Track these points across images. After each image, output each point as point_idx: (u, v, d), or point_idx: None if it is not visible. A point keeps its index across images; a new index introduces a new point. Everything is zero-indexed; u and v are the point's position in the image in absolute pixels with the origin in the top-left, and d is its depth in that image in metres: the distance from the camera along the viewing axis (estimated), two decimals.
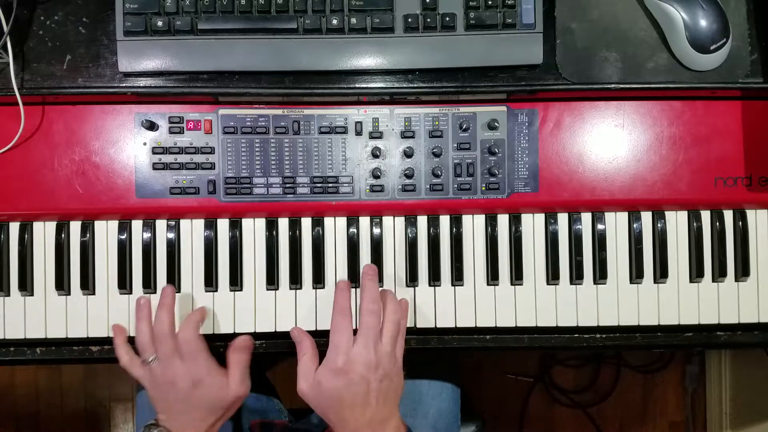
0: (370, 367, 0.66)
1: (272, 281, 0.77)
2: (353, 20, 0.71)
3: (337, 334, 0.68)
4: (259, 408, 0.92)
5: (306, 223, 0.78)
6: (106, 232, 0.77)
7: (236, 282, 0.77)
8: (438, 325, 0.78)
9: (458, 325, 0.78)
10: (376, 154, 0.76)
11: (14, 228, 0.77)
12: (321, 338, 0.76)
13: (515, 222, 0.78)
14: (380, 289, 0.75)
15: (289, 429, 0.88)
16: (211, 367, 0.70)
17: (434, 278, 0.78)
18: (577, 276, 0.78)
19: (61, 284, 0.76)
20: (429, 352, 0.79)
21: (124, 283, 0.76)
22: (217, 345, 0.77)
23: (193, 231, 0.78)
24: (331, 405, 0.67)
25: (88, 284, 0.76)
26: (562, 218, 0.78)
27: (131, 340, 0.74)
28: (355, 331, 0.69)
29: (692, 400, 1.62)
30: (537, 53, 0.72)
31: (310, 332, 0.76)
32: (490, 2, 0.71)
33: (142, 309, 0.72)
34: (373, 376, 0.66)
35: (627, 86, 0.73)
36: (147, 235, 0.77)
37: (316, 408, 0.69)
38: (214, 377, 0.70)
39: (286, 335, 0.77)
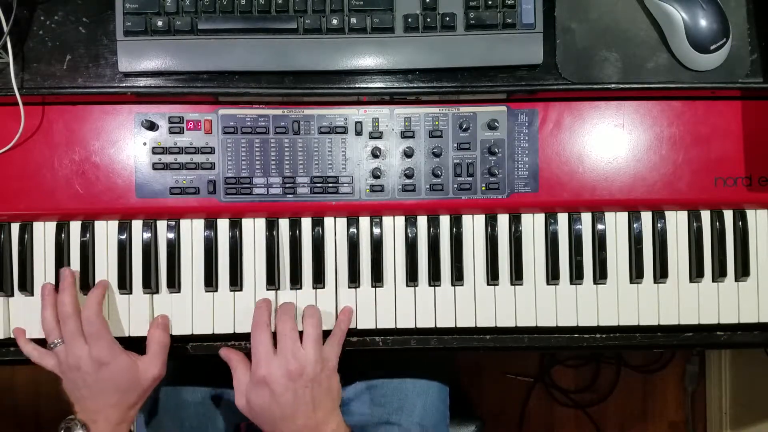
0: (292, 376, 0.66)
1: (272, 281, 0.77)
2: (353, 20, 0.71)
3: (255, 348, 0.69)
4: None
5: (306, 223, 0.78)
6: (106, 232, 0.77)
7: (236, 282, 0.77)
8: (438, 325, 0.78)
9: (458, 325, 0.78)
10: (376, 154, 0.76)
11: (14, 228, 0.77)
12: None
13: (515, 222, 0.78)
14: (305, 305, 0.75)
15: None
16: (114, 348, 0.70)
17: (434, 278, 0.78)
18: (577, 276, 0.78)
19: None
20: (428, 352, 0.79)
21: (124, 283, 0.76)
22: (217, 345, 0.77)
23: (193, 231, 0.77)
24: (262, 417, 0.68)
25: (88, 284, 0.76)
26: (562, 218, 0.78)
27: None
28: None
29: (692, 400, 1.62)
30: (537, 53, 0.72)
31: None
32: (490, 2, 0.71)
33: (46, 296, 0.73)
34: (297, 384, 0.66)
35: (627, 86, 0.73)
36: (147, 235, 0.77)
37: (253, 420, 0.69)
38: (119, 357, 0.69)
39: None
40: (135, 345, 0.74)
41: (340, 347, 0.73)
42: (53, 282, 0.75)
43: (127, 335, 0.76)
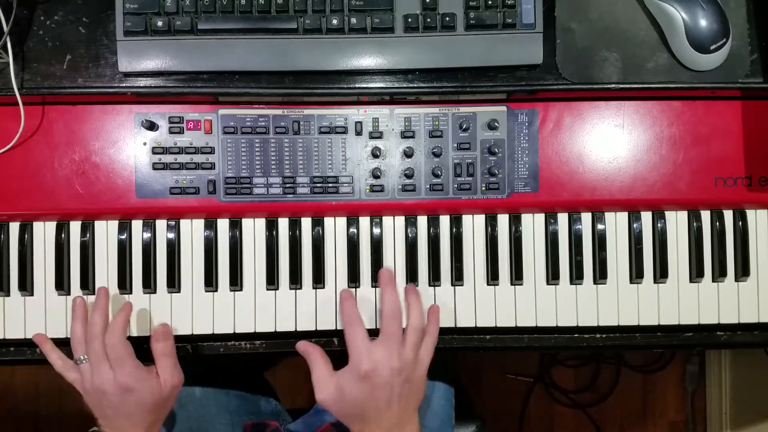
0: (394, 373, 0.67)
1: (272, 281, 0.77)
2: (353, 20, 0.71)
3: (353, 342, 0.68)
4: (255, 409, 0.92)
5: (306, 223, 0.78)
6: (106, 232, 0.77)
7: (236, 282, 0.77)
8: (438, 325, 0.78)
9: (458, 325, 0.78)
10: (376, 154, 0.76)
11: (14, 228, 0.77)
12: (320, 338, 0.77)
13: (515, 222, 0.78)
14: (410, 286, 0.75)
15: (279, 430, 0.88)
16: (140, 373, 0.69)
17: (434, 278, 0.78)
18: (577, 276, 0.78)
19: (61, 284, 0.76)
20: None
21: (124, 283, 0.76)
22: (217, 345, 0.78)
23: (193, 231, 0.77)
24: (354, 410, 0.68)
25: (88, 284, 0.76)
26: (562, 218, 0.78)
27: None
28: (372, 335, 0.69)
29: (692, 400, 1.62)
30: (537, 53, 0.72)
31: (310, 332, 0.77)
32: (490, 2, 0.71)
33: (77, 309, 0.72)
34: (396, 380, 0.67)
35: (627, 86, 0.73)
36: (147, 235, 0.77)
37: (337, 413, 0.69)
38: (144, 383, 0.69)
39: (286, 335, 0.77)
40: (135, 344, 0.74)
41: (434, 349, 0.72)
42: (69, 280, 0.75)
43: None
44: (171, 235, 0.77)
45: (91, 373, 0.69)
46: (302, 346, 0.72)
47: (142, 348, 0.73)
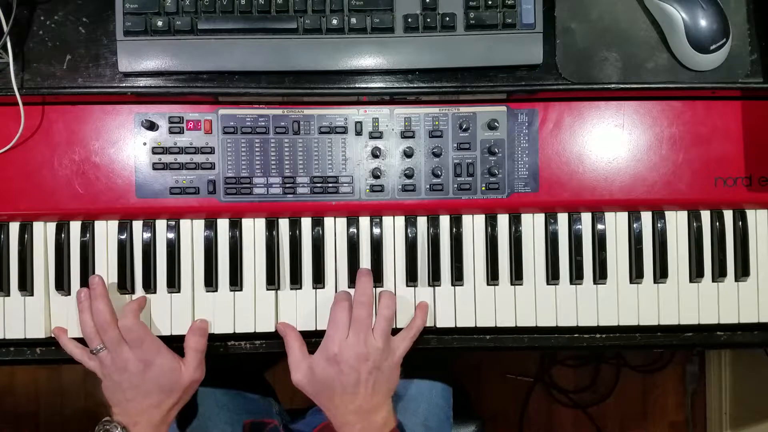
0: (360, 359, 0.70)
1: (272, 281, 0.77)
2: (353, 20, 0.71)
3: (333, 326, 0.71)
4: (255, 408, 0.92)
5: (306, 223, 0.78)
6: (106, 232, 0.77)
7: (236, 282, 0.77)
8: (438, 325, 0.78)
9: (458, 325, 0.78)
10: (376, 154, 0.76)
11: (14, 228, 0.77)
12: (320, 338, 0.77)
13: (515, 222, 0.78)
14: (383, 290, 0.76)
15: (278, 429, 0.88)
16: (160, 348, 0.71)
17: (434, 278, 0.78)
18: (577, 276, 0.78)
19: (61, 284, 0.76)
20: (428, 352, 0.79)
21: (124, 283, 0.76)
22: (217, 345, 0.78)
23: (193, 231, 0.78)
24: (323, 390, 0.71)
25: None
26: (562, 218, 0.78)
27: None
28: None
29: (692, 400, 1.62)
30: (537, 53, 0.72)
31: (309, 332, 0.77)
32: (490, 2, 0.71)
33: (82, 301, 0.73)
34: (362, 366, 0.70)
35: (627, 86, 0.73)
36: (147, 235, 0.77)
37: (309, 394, 0.72)
38: (165, 358, 0.71)
39: None
40: None
41: (411, 342, 0.74)
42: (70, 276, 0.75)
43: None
44: (171, 235, 0.77)
45: (111, 358, 0.70)
46: (281, 326, 0.76)
47: None
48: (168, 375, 0.71)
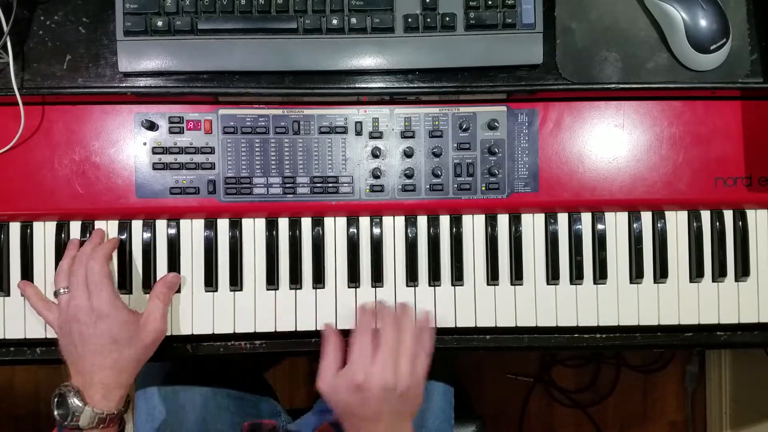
0: (388, 388, 0.66)
1: (272, 281, 0.77)
2: (353, 20, 0.71)
3: (356, 350, 0.67)
4: (254, 410, 0.92)
5: (306, 223, 0.78)
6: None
7: (236, 282, 0.77)
8: (438, 325, 0.78)
9: (458, 325, 0.78)
10: (376, 154, 0.76)
11: (15, 228, 0.77)
12: (320, 338, 0.76)
13: (515, 222, 0.78)
14: (401, 303, 0.75)
15: (278, 430, 0.88)
16: (116, 302, 0.69)
17: (434, 278, 0.78)
18: (577, 276, 0.78)
19: None
20: None
21: (124, 283, 0.76)
22: (217, 345, 0.77)
23: (193, 231, 0.77)
24: (344, 413, 0.68)
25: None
26: (562, 218, 0.78)
27: None
28: None
29: (692, 400, 1.62)
30: (537, 53, 0.72)
31: (310, 332, 0.77)
32: (490, 2, 0.71)
33: (70, 249, 0.74)
34: (389, 395, 0.66)
35: (627, 86, 0.73)
36: (147, 235, 0.77)
37: (331, 406, 0.69)
38: (119, 311, 0.68)
39: (286, 335, 0.78)
40: None
41: (429, 359, 0.71)
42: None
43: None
44: (171, 235, 0.77)
45: (68, 301, 0.69)
46: (328, 330, 0.70)
47: None
48: (122, 327, 0.68)
